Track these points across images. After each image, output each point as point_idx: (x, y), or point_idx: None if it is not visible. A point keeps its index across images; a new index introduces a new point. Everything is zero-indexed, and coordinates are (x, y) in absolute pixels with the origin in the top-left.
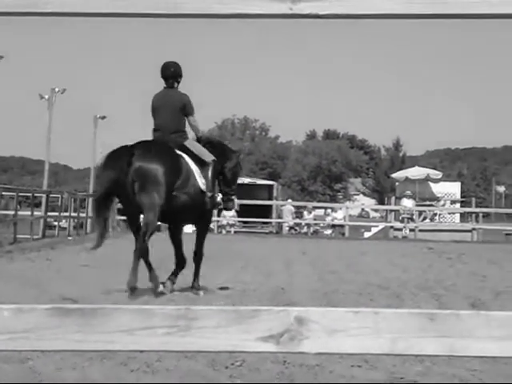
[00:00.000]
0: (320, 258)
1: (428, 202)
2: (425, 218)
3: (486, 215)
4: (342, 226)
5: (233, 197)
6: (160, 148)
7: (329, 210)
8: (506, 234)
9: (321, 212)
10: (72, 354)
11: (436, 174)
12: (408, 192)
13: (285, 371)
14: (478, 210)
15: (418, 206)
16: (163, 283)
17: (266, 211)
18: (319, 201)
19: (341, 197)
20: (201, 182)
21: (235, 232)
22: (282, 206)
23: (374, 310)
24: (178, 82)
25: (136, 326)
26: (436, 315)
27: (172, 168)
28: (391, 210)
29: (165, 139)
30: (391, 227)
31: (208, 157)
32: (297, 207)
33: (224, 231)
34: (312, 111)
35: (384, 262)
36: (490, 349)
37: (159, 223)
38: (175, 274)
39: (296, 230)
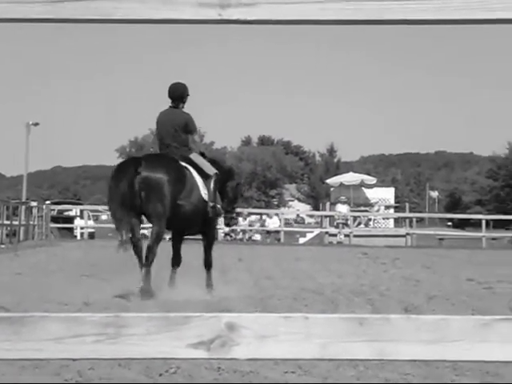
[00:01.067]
0: (256, 264)
1: (362, 208)
2: (359, 224)
3: (420, 220)
4: (277, 231)
5: (235, 215)
6: (165, 160)
7: (264, 216)
8: (440, 239)
9: (256, 218)
10: (3, 363)
11: (370, 179)
12: (342, 198)
13: (219, 378)
14: (411, 215)
15: (352, 211)
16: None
17: None
18: (254, 207)
19: (276, 203)
20: (203, 193)
21: (169, 239)
22: None
23: (304, 315)
24: (184, 102)
25: (65, 334)
26: (366, 320)
27: (176, 178)
28: (326, 216)
29: (171, 152)
30: (326, 233)
31: (210, 170)
32: None
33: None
34: (247, 117)
35: (319, 267)
36: (420, 352)
37: None
38: (174, 272)
39: (231, 236)
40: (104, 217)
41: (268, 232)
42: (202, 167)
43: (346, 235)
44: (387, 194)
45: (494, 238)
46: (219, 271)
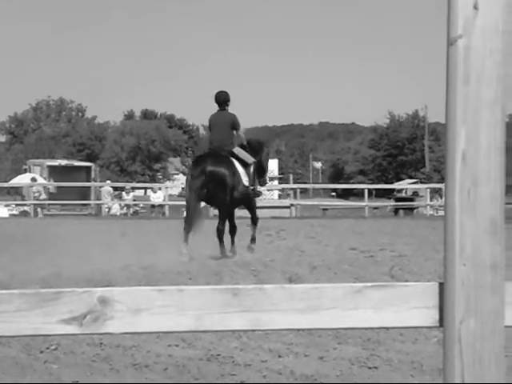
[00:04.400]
0: (139, 238)
1: None
2: None
3: (304, 191)
4: (161, 205)
5: (266, 177)
6: (223, 157)
7: (149, 191)
8: (323, 209)
9: (141, 192)
10: None
11: None
12: None
13: (101, 353)
14: (295, 186)
15: None
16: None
17: (84, 193)
18: (139, 181)
19: (160, 177)
20: (245, 180)
21: (52, 215)
22: (100, 187)
23: (178, 288)
24: (228, 105)
25: None
26: (240, 290)
27: (231, 171)
28: None
29: (221, 148)
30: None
31: (249, 159)
32: (115, 188)
33: (41, 214)
34: (129, 91)
35: (204, 240)
36: (296, 321)
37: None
38: (233, 240)
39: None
40: None
41: (153, 206)
42: (243, 158)
43: None
44: (271, 166)
45: (376, 208)
46: (102, 246)
